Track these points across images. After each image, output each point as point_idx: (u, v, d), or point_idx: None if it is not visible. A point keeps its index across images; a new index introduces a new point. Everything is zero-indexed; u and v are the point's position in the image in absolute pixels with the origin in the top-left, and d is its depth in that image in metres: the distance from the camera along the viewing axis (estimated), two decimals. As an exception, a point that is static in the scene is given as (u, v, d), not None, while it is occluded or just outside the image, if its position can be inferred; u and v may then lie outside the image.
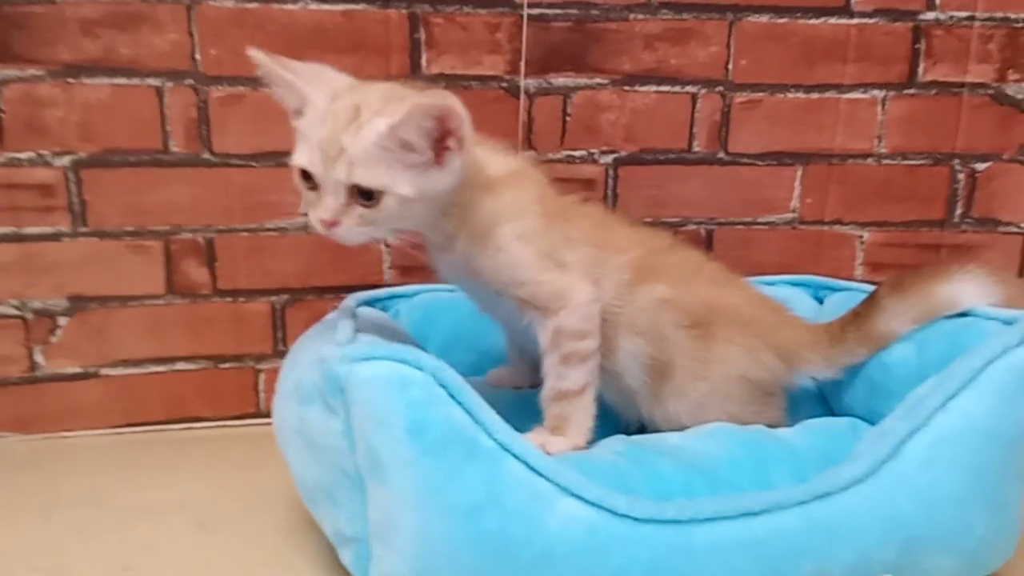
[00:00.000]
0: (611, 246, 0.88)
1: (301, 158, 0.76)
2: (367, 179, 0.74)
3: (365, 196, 0.75)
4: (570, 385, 0.84)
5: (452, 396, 0.71)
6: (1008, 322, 0.80)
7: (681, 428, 0.88)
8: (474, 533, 0.68)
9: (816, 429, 0.88)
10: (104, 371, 1.15)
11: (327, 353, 0.74)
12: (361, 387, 0.70)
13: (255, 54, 0.78)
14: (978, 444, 0.73)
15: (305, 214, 0.79)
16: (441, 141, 0.75)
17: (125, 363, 1.16)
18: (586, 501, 0.70)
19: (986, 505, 0.73)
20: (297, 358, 0.85)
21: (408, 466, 0.68)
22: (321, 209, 0.76)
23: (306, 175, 0.77)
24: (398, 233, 0.80)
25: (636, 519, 0.69)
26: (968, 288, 0.86)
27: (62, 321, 1.13)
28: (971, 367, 0.75)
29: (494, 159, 0.85)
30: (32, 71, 1.04)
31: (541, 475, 0.70)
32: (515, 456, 0.70)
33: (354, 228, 0.76)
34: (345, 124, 0.74)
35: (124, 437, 1.17)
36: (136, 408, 1.17)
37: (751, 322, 0.91)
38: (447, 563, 0.69)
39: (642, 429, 0.91)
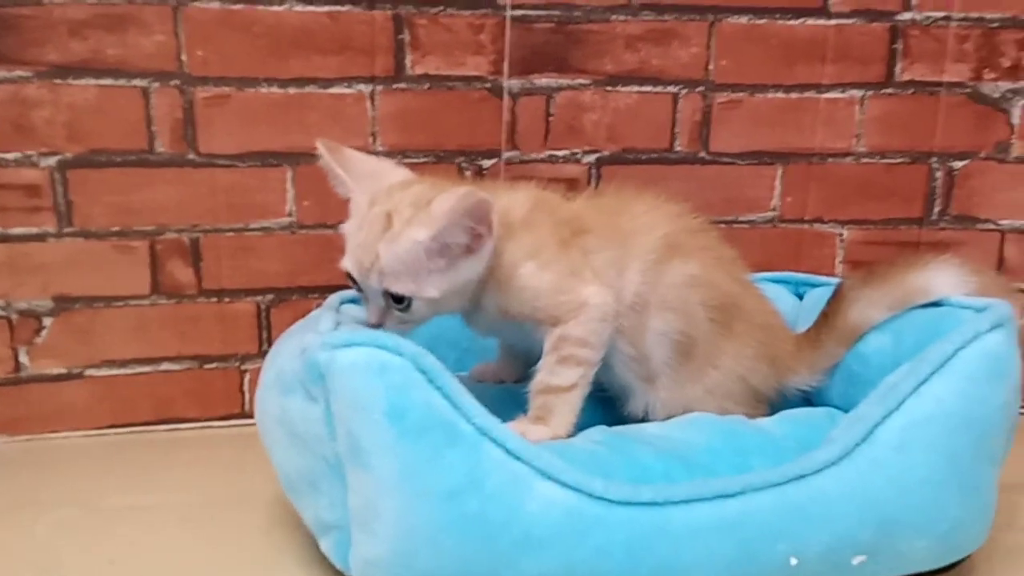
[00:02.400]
0: (632, 233, 0.90)
1: (346, 263, 0.82)
2: (396, 287, 0.79)
3: (397, 300, 0.80)
4: (560, 381, 0.85)
5: (431, 381, 0.72)
6: (980, 309, 0.81)
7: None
8: (454, 516, 0.69)
9: (794, 418, 0.90)
10: (89, 372, 1.16)
11: (308, 341, 0.75)
12: (341, 373, 0.71)
13: (319, 146, 0.86)
14: (950, 428, 0.74)
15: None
16: (474, 231, 0.79)
17: (110, 364, 1.16)
18: (564, 484, 0.70)
19: (959, 488, 0.74)
20: (279, 350, 0.86)
21: (387, 450, 0.69)
22: (368, 312, 0.82)
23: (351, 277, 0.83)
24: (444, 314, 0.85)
25: (613, 501, 0.70)
26: (941, 277, 0.88)
27: (47, 322, 1.13)
28: (943, 353, 0.76)
29: (509, 203, 0.87)
30: (19, 72, 1.05)
31: (519, 459, 0.71)
32: (493, 440, 0.71)
33: (397, 326, 0.81)
34: (380, 233, 0.79)
35: (110, 438, 1.17)
36: (122, 409, 1.17)
37: (763, 329, 0.94)
38: (427, 547, 0.69)
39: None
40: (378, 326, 0.81)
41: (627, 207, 0.94)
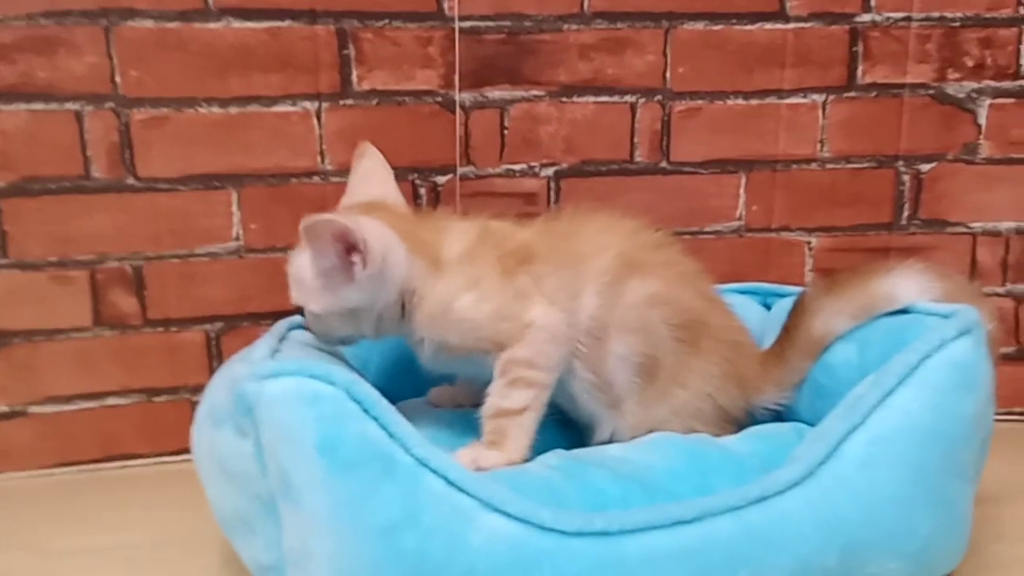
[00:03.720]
0: (585, 255, 0.88)
1: None
2: (293, 296, 0.85)
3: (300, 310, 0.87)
4: (511, 404, 0.82)
5: (366, 411, 0.67)
6: (946, 316, 0.78)
7: None
8: (391, 553, 0.64)
9: (759, 435, 0.86)
10: (32, 409, 1.11)
11: (236, 372, 0.71)
12: (270, 405, 0.67)
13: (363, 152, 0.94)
14: (918, 441, 0.71)
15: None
16: (347, 257, 0.80)
17: (54, 400, 1.11)
18: (510, 516, 0.66)
19: (929, 504, 0.71)
20: (213, 382, 0.82)
21: (319, 485, 0.65)
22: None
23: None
24: (370, 336, 0.87)
25: (563, 532, 0.66)
26: (905, 283, 0.84)
27: (-14, 358, 1.08)
28: (908, 363, 0.72)
29: (448, 239, 0.87)
30: (-54, 100, 1.01)
31: (462, 490, 0.67)
32: (433, 471, 0.67)
33: (314, 332, 0.88)
34: (297, 250, 0.84)
35: (56, 478, 1.12)
36: (68, 447, 1.12)
37: (731, 346, 0.90)
38: (364, 588, 0.65)
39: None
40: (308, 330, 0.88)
41: (580, 229, 0.91)
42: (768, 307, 1.11)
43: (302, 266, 0.83)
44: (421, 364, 0.89)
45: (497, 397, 0.83)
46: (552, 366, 0.83)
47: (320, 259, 0.81)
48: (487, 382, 0.85)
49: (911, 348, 0.73)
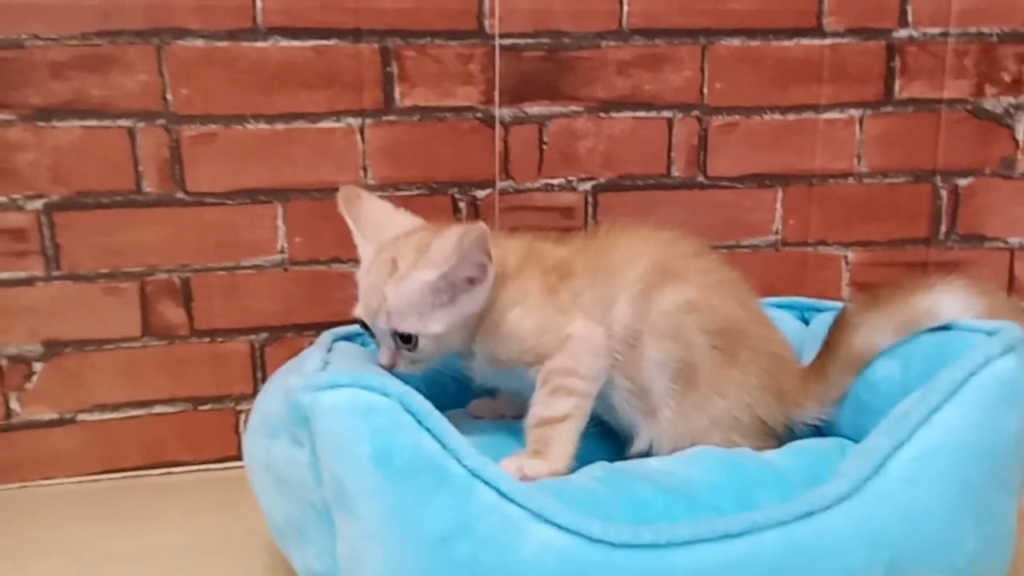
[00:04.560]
0: (618, 268, 0.90)
1: (358, 310, 0.86)
2: (403, 327, 0.82)
3: (405, 340, 0.83)
4: (553, 412, 0.83)
5: (420, 422, 0.69)
6: (991, 333, 0.78)
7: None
8: (444, 563, 0.66)
9: (801, 450, 0.86)
10: (80, 417, 1.13)
11: (292, 384, 0.72)
12: (325, 416, 0.69)
13: (340, 195, 0.90)
14: (963, 457, 0.71)
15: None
16: (480, 263, 0.83)
17: (102, 408, 1.14)
18: (560, 527, 0.67)
19: (974, 519, 0.71)
20: (266, 392, 0.84)
21: (374, 495, 0.66)
22: (380, 355, 0.85)
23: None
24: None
25: (612, 544, 0.67)
26: (948, 299, 0.84)
27: (37, 367, 1.11)
28: (953, 379, 0.73)
29: (504, 251, 0.89)
30: (2, 116, 1.04)
31: (513, 501, 0.68)
32: (485, 482, 0.68)
33: (408, 367, 0.84)
34: (386, 277, 0.83)
35: (101, 484, 1.15)
36: (113, 454, 1.15)
37: (771, 358, 0.91)
38: (417, 596, 0.66)
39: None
40: (391, 367, 0.83)
41: (616, 243, 0.93)
42: (806, 321, 1.11)
43: (417, 289, 0.81)
44: (472, 377, 0.90)
45: (540, 406, 0.84)
46: (592, 375, 0.84)
47: (461, 270, 0.81)
48: (529, 397, 0.86)
49: (956, 365, 0.73)
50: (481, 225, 0.79)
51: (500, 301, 0.85)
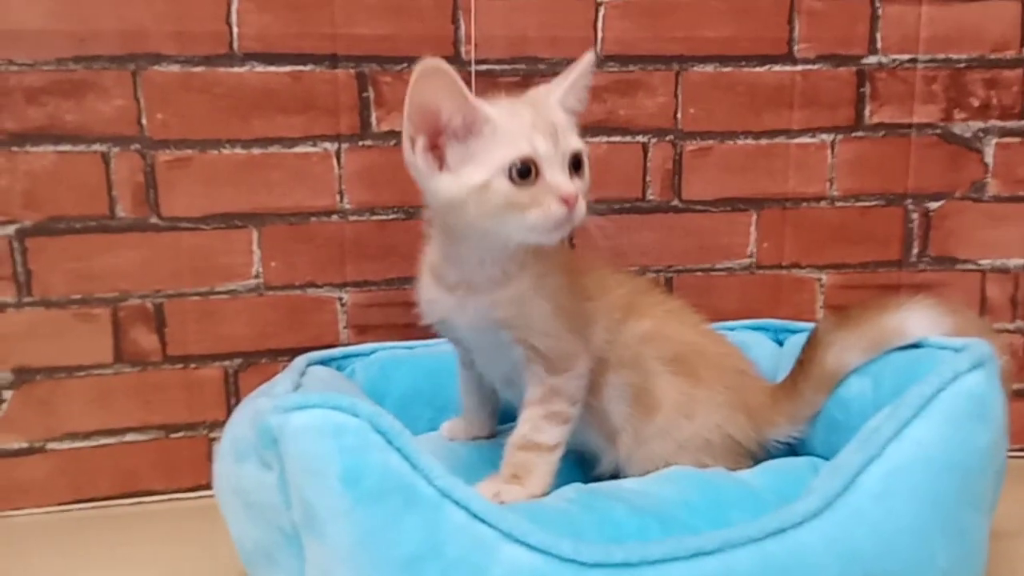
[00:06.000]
0: (604, 292, 0.91)
1: (522, 149, 0.76)
2: (579, 143, 0.79)
3: (575, 165, 0.79)
4: (544, 439, 0.83)
5: (390, 442, 0.68)
6: (959, 350, 0.79)
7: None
8: (413, 585, 0.65)
9: (774, 469, 0.86)
10: (51, 445, 1.12)
11: (260, 405, 0.72)
12: (294, 437, 0.68)
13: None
14: (933, 473, 0.71)
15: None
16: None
17: (72, 436, 1.12)
18: (531, 547, 0.66)
19: (945, 535, 0.71)
20: (236, 416, 0.83)
21: (343, 517, 0.65)
22: (563, 186, 0.76)
23: (523, 171, 0.76)
24: None
25: (584, 564, 0.66)
26: (915, 318, 0.86)
27: (7, 394, 1.09)
28: (922, 395, 0.73)
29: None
30: (-24, 141, 1.04)
31: (483, 521, 0.67)
32: (456, 502, 0.67)
33: (584, 202, 0.78)
34: (540, 109, 0.79)
35: (72, 514, 1.13)
36: (84, 483, 1.13)
37: (734, 375, 0.92)
38: (387, 619, 0.65)
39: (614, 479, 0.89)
40: (576, 200, 0.76)
41: (598, 269, 0.94)
42: (780, 343, 1.12)
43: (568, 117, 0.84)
44: (455, 330, 0.87)
45: (530, 428, 0.83)
46: (582, 401, 0.85)
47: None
48: (504, 381, 0.88)
49: (925, 381, 0.74)
50: None
51: (556, 258, 0.84)
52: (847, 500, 0.70)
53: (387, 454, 0.67)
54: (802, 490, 0.77)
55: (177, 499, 1.16)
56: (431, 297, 0.87)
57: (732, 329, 1.13)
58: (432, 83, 0.75)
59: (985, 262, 1.24)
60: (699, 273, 1.24)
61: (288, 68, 1.10)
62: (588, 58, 0.84)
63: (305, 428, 0.68)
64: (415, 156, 0.78)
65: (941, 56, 1.20)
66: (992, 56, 1.20)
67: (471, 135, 0.77)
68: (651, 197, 1.22)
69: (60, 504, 1.13)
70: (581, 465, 0.93)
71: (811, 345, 0.90)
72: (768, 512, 0.74)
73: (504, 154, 0.76)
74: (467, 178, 0.76)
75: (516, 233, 0.77)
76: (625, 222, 1.22)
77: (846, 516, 0.69)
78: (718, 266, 1.24)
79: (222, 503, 0.82)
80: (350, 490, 0.66)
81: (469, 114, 0.76)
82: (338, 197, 1.15)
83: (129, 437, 1.14)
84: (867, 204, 1.24)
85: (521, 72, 1.16)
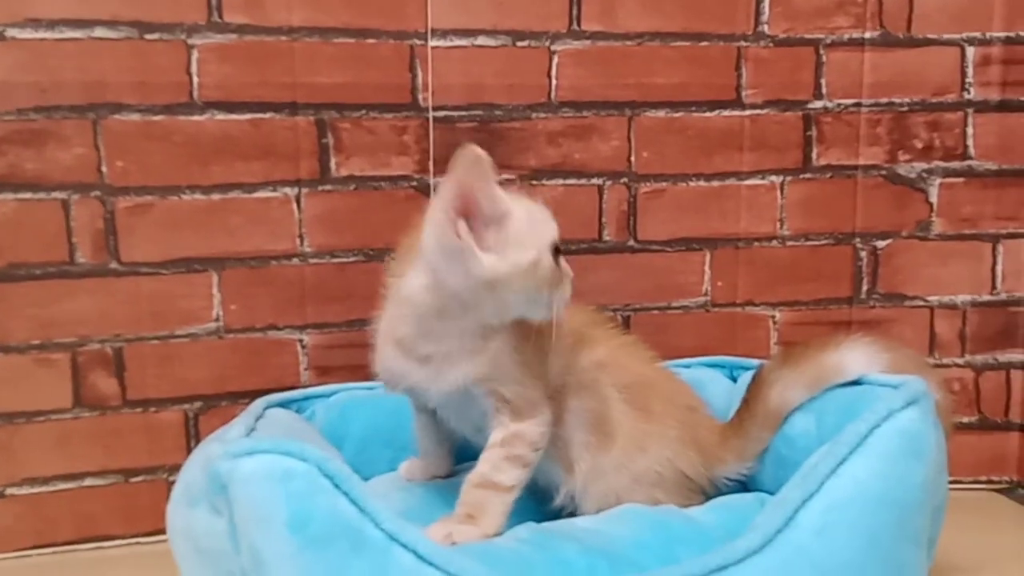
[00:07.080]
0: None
1: (555, 231, 0.83)
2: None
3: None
4: (503, 479, 0.84)
5: (337, 486, 0.69)
6: (896, 387, 0.81)
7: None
8: (360, 630, 0.66)
9: (724, 505, 0.88)
10: (10, 491, 1.11)
11: (212, 451, 0.73)
12: (243, 483, 0.69)
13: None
14: (871, 509, 0.73)
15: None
16: None
17: (32, 481, 1.12)
18: (478, 589, 0.68)
19: (884, 570, 0.72)
20: (190, 461, 0.84)
21: (289, 562, 0.66)
22: (568, 269, 0.84)
23: (556, 251, 0.82)
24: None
25: (529, 605, 0.67)
26: (853, 355, 0.88)
27: (-35, 440, 1.09)
28: (858, 432, 0.75)
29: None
30: (-65, 189, 1.05)
31: (431, 564, 0.68)
32: (403, 545, 0.68)
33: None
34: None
35: (32, 560, 1.12)
36: (44, 528, 1.13)
37: (685, 412, 0.93)
38: (334, 665, 0.66)
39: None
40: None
41: None
42: (735, 380, 1.14)
43: None
44: (425, 393, 0.87)
45: (490, 468, 0.84)
46: (542, 451, 0.86)
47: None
48: (471, 428, 0.88)
49: (862, 418, 0.76)
50: None
51: (521, 331, 0.84)
52: (787, 536, 0.71)
53: (335, 498, 0.68)
54: (748, 525, 0.79)
55: (137, 543, 1.16)
56: (398, 369, 0.86)
57: (688, 366, 1.15)
58: (475, 171, 0.77)
59: (933, 298, 1.28)
60: (656, 312, 1.26)
61: (248, 116, 1.12)
62: None
63: (253, 473, 0.68)
64: (460, 238, 0.77)
65: (884, 100, 1.25)
66: (934, 100, 1.25)
67: (502, 219, 0.79)
68: (607, 238, 1.25)
69: (20, 550, 1.12)
70: (537, 501, 0.94)
71: (756, 384, 0.92)
72: (715, 548, 0.75)
73: (544, 234, 0.81)
74: (516, 256, 0.79)
75: (540, 309, 0.82)
76: (583, 262, 1.24)
77: (787, 552, 0.71)
78: (674, 304, 1.27)
79: (175, 548, 0.82)
80: (296, 535, 0.66)
81: (499, 199, 0.79)
82: (298, 240, 1.16)
83: (88, 482, 1.14)
84: (817, 243, 1.27)
85: (478, 119, 1.19)
